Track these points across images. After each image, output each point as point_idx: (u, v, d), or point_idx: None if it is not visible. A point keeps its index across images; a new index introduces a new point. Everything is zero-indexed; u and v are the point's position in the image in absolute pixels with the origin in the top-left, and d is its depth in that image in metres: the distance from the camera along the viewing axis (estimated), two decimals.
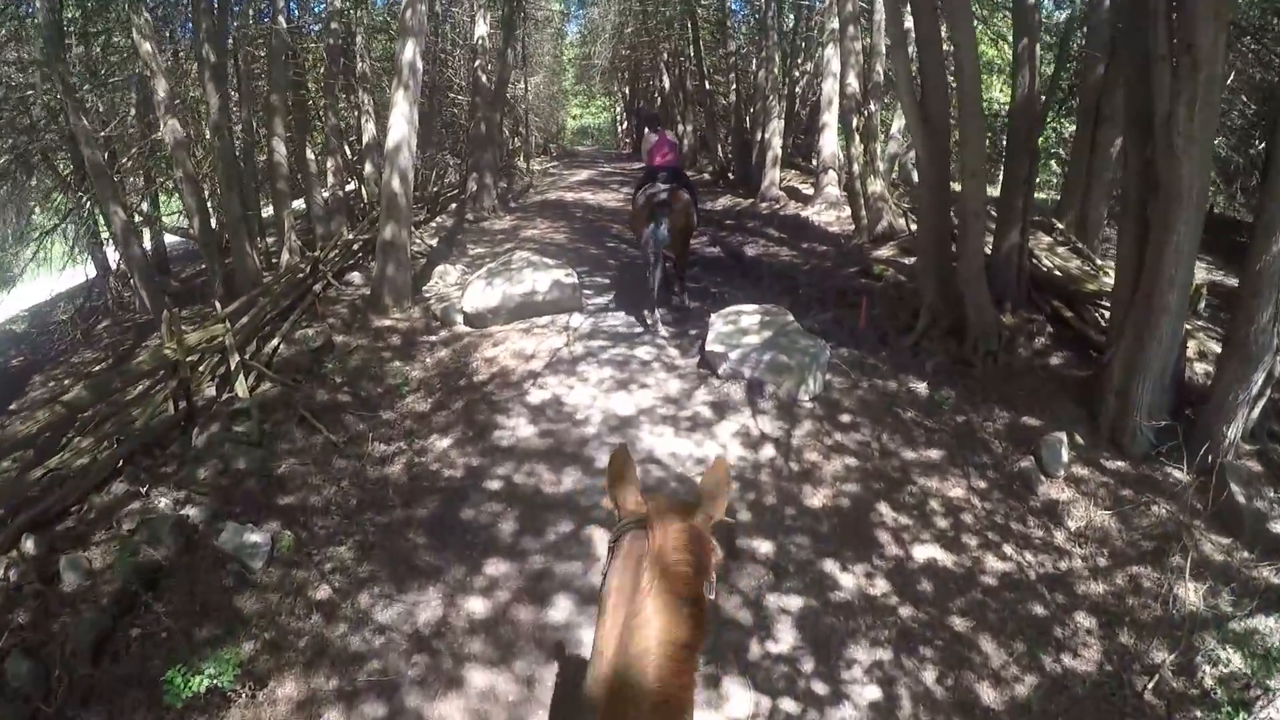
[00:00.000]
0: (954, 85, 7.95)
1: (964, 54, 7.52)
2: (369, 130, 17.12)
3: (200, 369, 7.67)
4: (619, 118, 44.82)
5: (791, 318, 8.34)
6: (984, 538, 5.68)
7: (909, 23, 8.81)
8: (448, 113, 23.50)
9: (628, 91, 38.67)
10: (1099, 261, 10.13)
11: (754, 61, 20.31)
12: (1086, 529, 5.63)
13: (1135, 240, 6.54)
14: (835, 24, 14.95)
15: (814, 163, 17.09)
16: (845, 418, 7.21)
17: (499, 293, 9.44)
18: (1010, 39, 11.19)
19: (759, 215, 16.28)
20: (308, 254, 11.92)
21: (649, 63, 31.65)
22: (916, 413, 7.21)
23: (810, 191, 16.64)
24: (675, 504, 2.07)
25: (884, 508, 6.03)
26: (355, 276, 11.56)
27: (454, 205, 18.72)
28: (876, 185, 12.64)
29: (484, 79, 18.27)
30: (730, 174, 21.33)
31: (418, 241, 14.03)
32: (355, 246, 12.53)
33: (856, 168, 12.86)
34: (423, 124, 21.28)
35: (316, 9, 17.69)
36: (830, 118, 15.36)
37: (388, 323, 9.69)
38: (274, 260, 13.60)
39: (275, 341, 8.70)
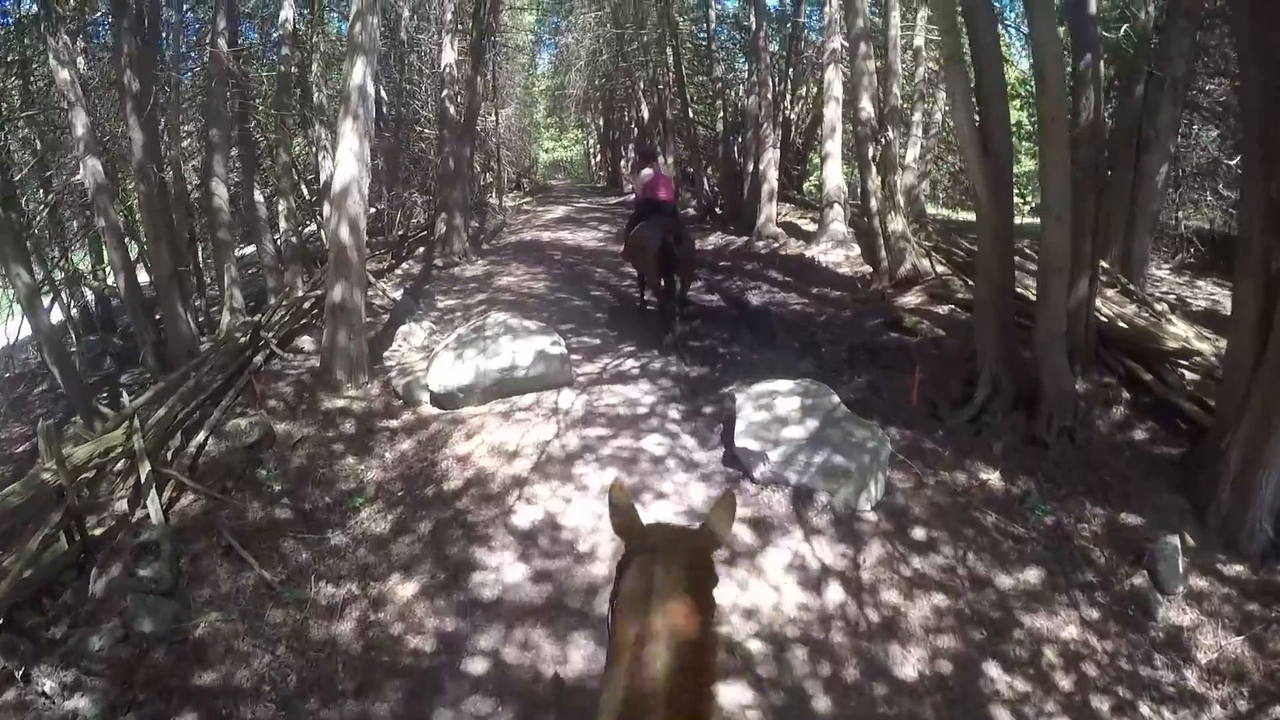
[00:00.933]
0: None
1: (1048, 62, 6.17)
2: (326, 167, 15.62)
3: (104, 483, 6.06)
4: (592, 150, 43.62)
5: (837, 399, 6.83)
6: (1114, 696, 4.63)
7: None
8: (416, 147, 22.03)
9: (602, 123, 37.38)
10: (1157, 306, 8.84)
11: (741, 88, 18.98)
12: (1219, 661, 4.82)
13: (1260, 296, 5.58)
14: (836, 43, 13.70)
15: (814, 195, 15.73)
16: (919, 532, 5.84)
17: (472, 368, 7.83)
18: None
19: (756, 255, 14.80)
20: (248, 319, 10.27)
21: (625, 91, 30.35)
22: (998, 516, 5.99)
23: (812, 228, 15.23)
24: (680, 531, 2.11)
25: (993, 669, 4.75)
26: (306, 342, 9.85)
27: (422, 249, 17.16)
28: (898, 223, 11.30)
29: (452, 110, 16.76)
30: (717, 209, 19.86)
31: (379, 294, 12.50)
32: (307, 305, 10.85)
33: (874, 203, 11.48)
34: (388, 160, 20.07)
35: (268, 32, 16.08)
36: (834, 146, 13.96)
37: (340, 403, 8.03)
38: (216, 321, 11.91)
39: (202, 436, 6.94)
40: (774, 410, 6.56)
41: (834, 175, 13.91)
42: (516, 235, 20.95)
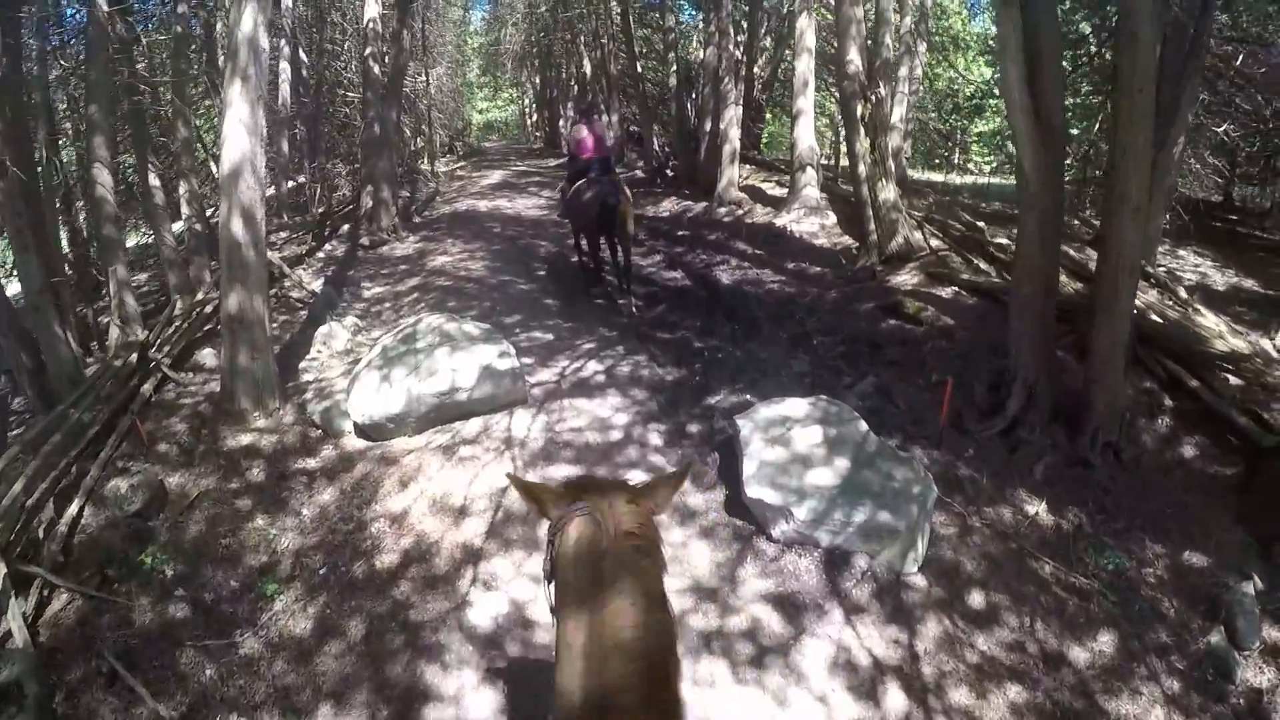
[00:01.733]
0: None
1: (1139, 16, 4.95)
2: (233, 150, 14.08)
3: None
4: (528, 110, 41.74)
5: (865, 427, 5.56)
6: None
7: None
8: (340, 114, 20.25)
9: (539, 81, 35.52)
10: (1180, 292, 7.85)
11: (696, 39, 17.52)
12: None
13: None
14: None
15: (774, 155, 14.38)
16: (976, 598, 4.81)
17: (402, 392, 6.39)
18: None
19: (719, 224, 13.49)
20: (139, 332, 8.65)
21: (564, 47, 28.58)
22: (1055, 564, 5.10)
23: (778, 193, 13.95)
24: (616, 484, 1.97)
25: None
26: (207, 356, 8.26)
27: (347, 226, 15.52)
28: (889, 191, 10.07)
29: (376, 70, 15.05)
30: (668, 171, 18.43)
31: (295, 285, 11.03)
32: (209, 308, 9.30)
33: (862, 168, 10.20)
34: (309, 128, 18.30)
35: None
36: (806, 103, 12.63)
37: (246, 439, 6.56)
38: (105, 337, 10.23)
39: (75, 506, 5.42)
40: (791, 445, 5.28)
41: (806, 135, 12.59)
42: (451, 205, 19.32)
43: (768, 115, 20.56)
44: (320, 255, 13.73)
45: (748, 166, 15.87)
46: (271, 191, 19.08)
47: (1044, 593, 4.85)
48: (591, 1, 22.41)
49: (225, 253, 6.93)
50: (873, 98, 10.12)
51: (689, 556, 4.99)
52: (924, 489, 5.06)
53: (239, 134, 6.70)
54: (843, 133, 14.28)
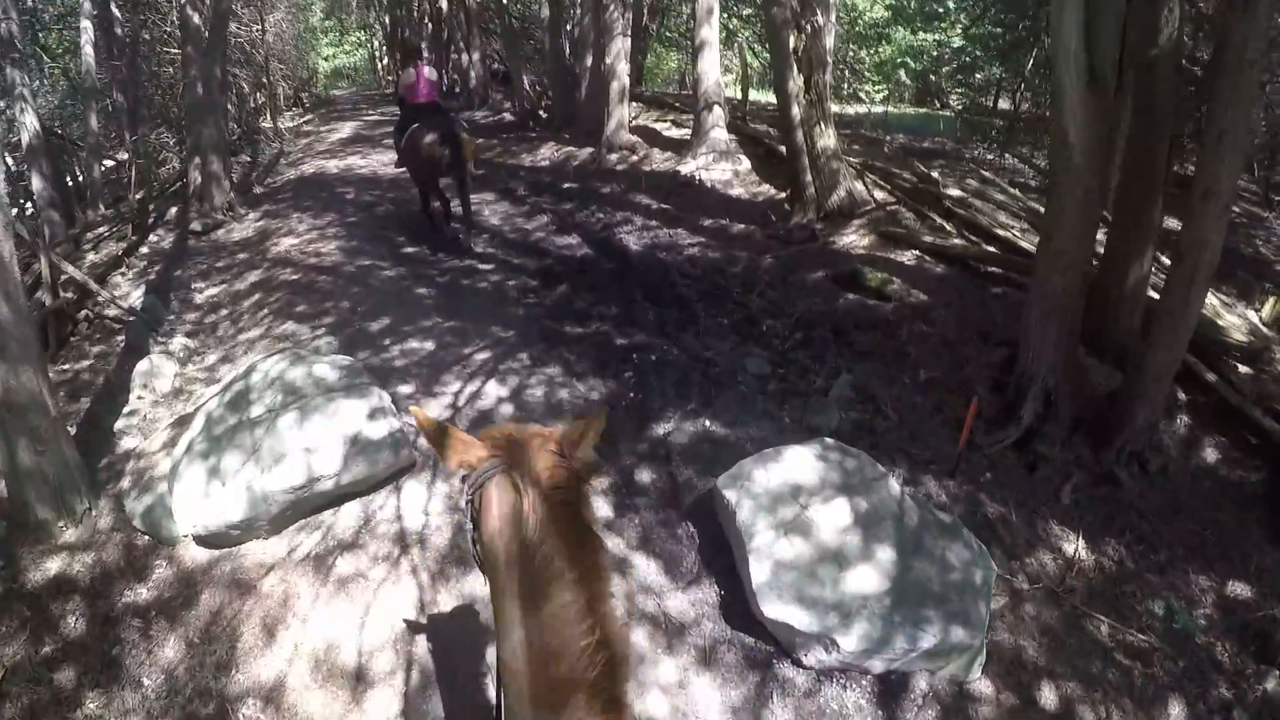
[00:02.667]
0: None
1: None
2: (29, 124, 11.65)
3: None
4: (378, 53, 38.60)
5: (895, 486, 4.14)
6: None
7: None
8: (165, 74, 17.47)
9: (388, 21, 32.54)
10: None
11: None
12: None
13: None
14: None
15: (665, 93, 12.56)
16: (1047, 694, 3.84)
17: (241, 491, 4.51)
18: None
19: (611, 173, 11.66)
20: None
21: None
22: (1110, 620, 4.19)
23: (676, 134, 12.21)
24: (531, 431, 1.75)
25: None
26: None
27: (175, 209, 13.08)
28: (828, 138, 8.56)
29: (196, 19, 12.51)
30: (542, 113, 16.37)
31: (110, 303, 8.84)
32: None
33: (796, 111, 8.52)
34: (126, 95, 15.51)
35: None
36: (710, 33, 10.84)
37: (54, 566, 4.69)
38: None
39: None
40: (812, 533, 3.76)
41: (711, 70, 10.82)
42: (297, 168, 16.89)
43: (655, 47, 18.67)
44: (145, 250, 11.36)
45: (636, 105, 13.96)
46: (80, 178, 16.52)
47: (1109, 665, 3.99)
48: None
49: None
50: (808, 27, 8.39)
51: (690, 700, 3.46)
52: (985, 570, 3.82)
53: None
54: (745, 65, 12.59)
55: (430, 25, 25.88)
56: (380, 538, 4.58)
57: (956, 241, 7.62)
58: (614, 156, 11.92)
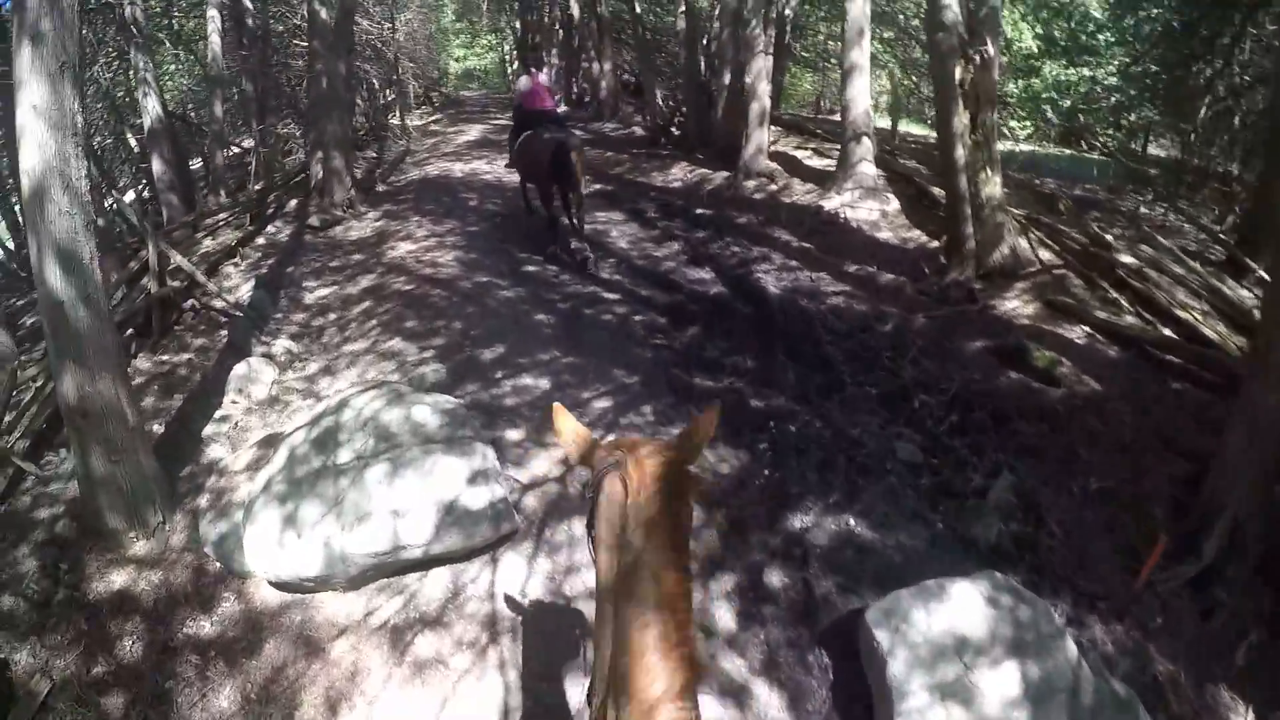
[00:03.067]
0: None
1: None
2: (149, 108, 11.37)
3: None
4: (508, 57, 38.62)
5: (1074, 650, 3.43)
6: None
7: None
8: (296, 67, 17.47)
9: (519, 25, 32.40)
10: None
11: None
12: None
13: None
14: None
15: (801, 116, 11.72)
16: None
17: (318, 546, 3.96)
18: None
19: (748, 201, 10.86)
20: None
21: None
22: None
23: (818, 164, 11.38)
24: (649, 442, 1.93)
25: None
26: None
27: (295, 201, 12.86)
28: (994, 185, 7.64)
29: (324, 14, 12.25)
30: (674, 130, 15.67)
31: (217, 294, 8.58)
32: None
33: (960, 152, 7.59)
34: (253, 84, 15.45)
35: None
36: (861, 56, 9.95)
37: (119, 580, 4.37)
38: None
39: None
40: (975, 702, 3.11)
41: (861, 96, 9.95)
42: (422, 169, 16.64)
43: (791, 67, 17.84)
44: (261, 242, 11.12)
45: (774, 129, 13.13)
46: (198, 165, 16.56)
47: None
48: None
49: (46, 317, 4.40)
50: (976, 58, 7.49)
51: None
52: None
53: (37, 131, 4.09)
54: (896, 93, 11.64)
55: (561, 32, 25.53)
56: (468, 618, 3.98)
57: (1132, 321, 6.64)
58: (751, 184, 11.14)
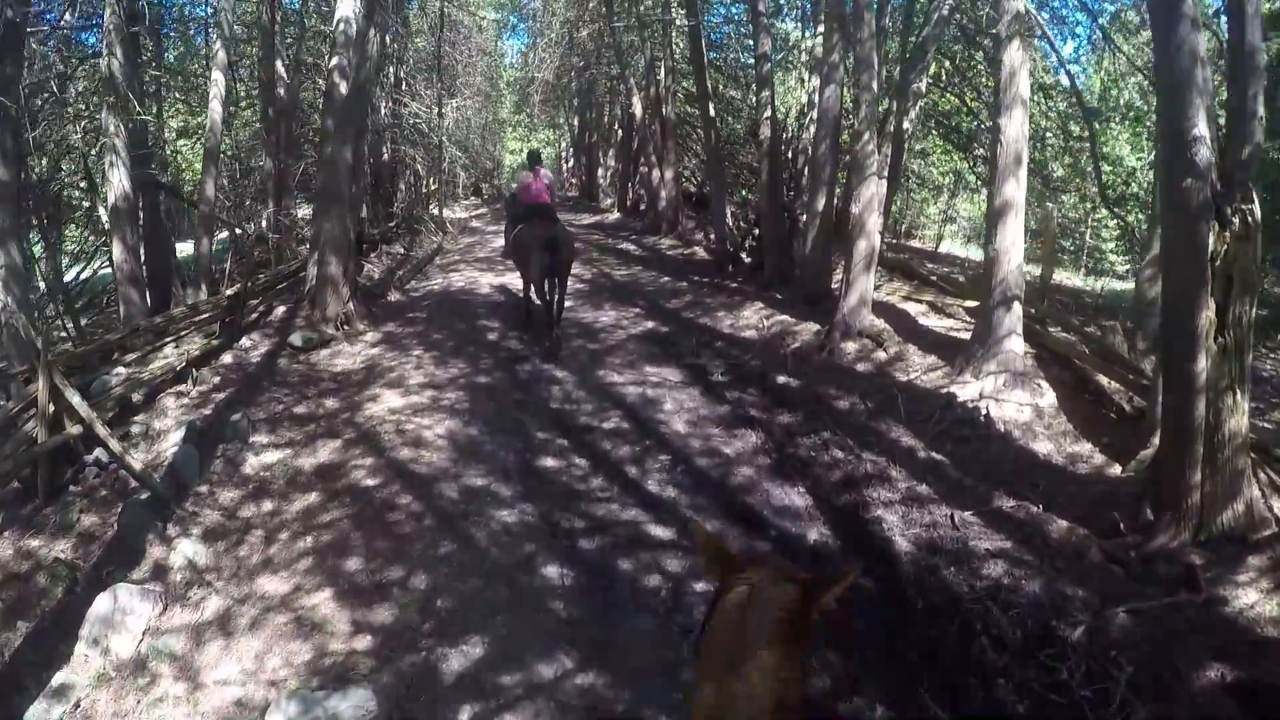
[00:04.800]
0: None
1: None
2: (117, 182, 9.22)
3: None
4: (565, 154, 37.29)
5: None
6: None
7: None
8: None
9: (577, 123, 30.90)
10: None
11: (804, 74, 12.53)
12: None
13: None
14: (1021, 3, 7.43)
15: (903, 250, 9.20)
16: None
17: None
18: None
19: (850, 375, 8.10)
20: None
21: (609, 84, 23.84)
22: None
23: (939, 325, 8.79)
24: (783, 566, 1.91)
25: None
26: None
27: (283, 308, 10.58)
28: (1241, 416, 4.88)
29: (343, 88, 10.13)
30: (744, 255, 13.22)
31: (117, 457, 6.34)
32: None
33: (1202, 361, 4.84)
34: (275, 163, 13.39)
35: None
36: (1015, 191, 7.40)
37: None
38: None
39: None
40: None
41: (1013, 246, 7.38)
42: (447, 275, 14.52)
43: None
44: (227, 360, 8.82)
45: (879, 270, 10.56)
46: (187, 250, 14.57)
47: None
48: (648, 25, 17.53)
49: None
50: (1235, 222, 4.85)
51: None
52: None
53: None
54: (1053, 237, 9.01)
55: (620, 132, 23.69)
56: None
57: None
58: (852, 347, 8.48)
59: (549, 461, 6.32)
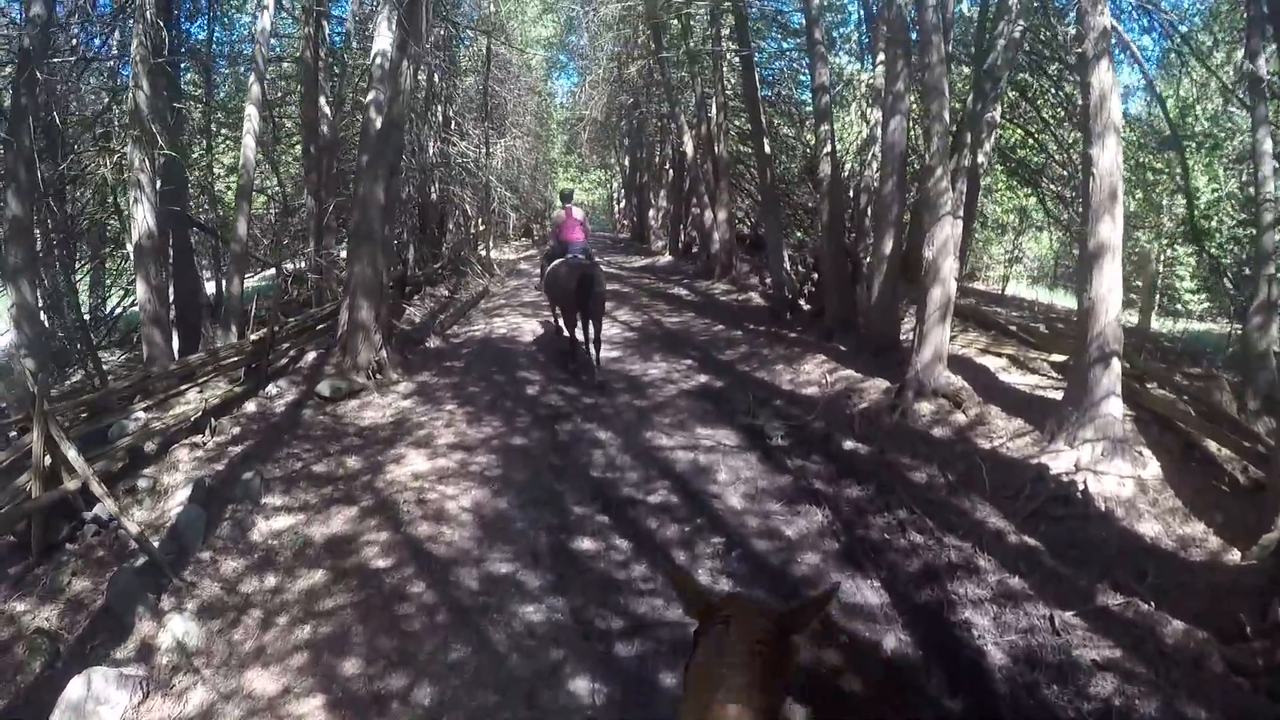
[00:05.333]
0: None
1: None
2: (141, 218, 8.76)
3: None
4: (616, 195, 36.92)
5: None
6: None
7: None
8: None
9: (628, 163, 30.48)
10: None
11: (865, 107, 11.79)
12: None
13: None
14: (1106, 21, 6.67)
15: (975, 297, 8.39)
16: None
17: None
18: None
19: (925, 440, 7.17)
20: None
21: (659, 123, 23.35)
22: None
23: (1022, 382, 7.92)
24: (758, 604, 2.08)
25: None
26: None
27: (314, 354, 10.10)
28: None
29: (379, 123, 9.64)
30: (803, 302, 12.44)
31: (114, 516, 5.95)
32: None
33: None
34: (317, 202, 13.04)
35: None
36: (1110, 232, 6.43)
37: None
38: None
39: None
40: None
41: (1111, 293, 6.45)
42: (489, 320, 13.99)
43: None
44: (250, 409, 8.31)
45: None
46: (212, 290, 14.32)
47: None
48: (699, 61, 16.97)
49: None
50: None
51: None
52: None
53: None
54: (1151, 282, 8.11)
55: (671, 172, 23.15)
56: None
57: None
58: (927, 408, 7.58)
59: (585, 543, 5.58)
